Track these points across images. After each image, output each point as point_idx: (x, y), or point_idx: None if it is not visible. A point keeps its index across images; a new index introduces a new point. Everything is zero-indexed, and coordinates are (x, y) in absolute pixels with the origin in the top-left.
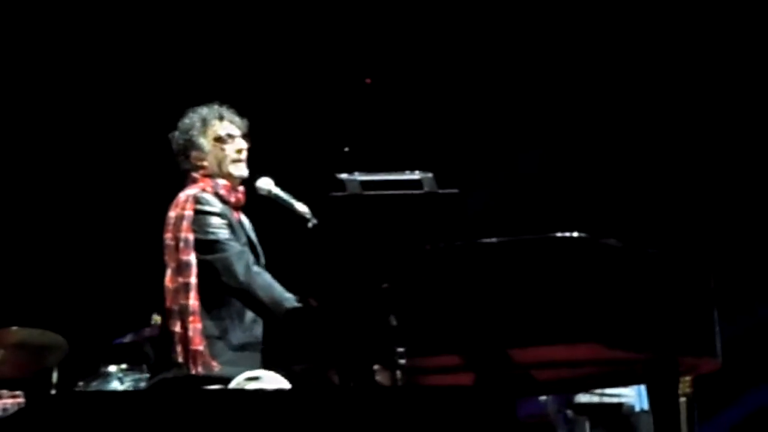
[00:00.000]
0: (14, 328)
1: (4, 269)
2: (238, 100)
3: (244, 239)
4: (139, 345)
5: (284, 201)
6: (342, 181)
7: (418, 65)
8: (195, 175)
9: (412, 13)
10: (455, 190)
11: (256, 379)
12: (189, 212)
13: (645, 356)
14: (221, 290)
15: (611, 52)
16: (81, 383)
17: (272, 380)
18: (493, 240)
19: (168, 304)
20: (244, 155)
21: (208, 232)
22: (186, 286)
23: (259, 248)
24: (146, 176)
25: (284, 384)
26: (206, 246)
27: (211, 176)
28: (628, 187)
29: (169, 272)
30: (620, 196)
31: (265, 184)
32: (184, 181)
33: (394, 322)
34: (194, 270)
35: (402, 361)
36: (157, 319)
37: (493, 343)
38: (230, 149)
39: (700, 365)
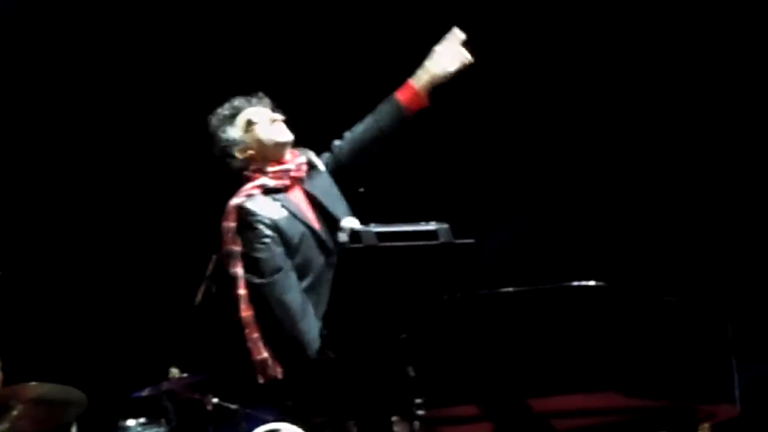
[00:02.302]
0: (33, 383)
1: (22, 324)
2: None
3: (297, 236)
4: (157, 399)
5: None
6: (357, 232)
7: (429, 114)
8: (247, 174)
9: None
10: (471, 240)
11: (275, 431)
12: (232, 224)
13: (663, 404)
14: None
15: (627, 98)
16: None
17: None
18: (510, 289)
19: (235, 316)
20: (279, 123)
21: (250, 250)
22: (236, 299)
23: (339, 215)
24: (162, 229)
25: None
26: (248, 264)
27: (261, 168)
28: (645, 235)
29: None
30: (637, 244)
31: (350, 223)
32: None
33: (412, 373)
34: (242, 282)
35: (420, 412)
36: (174, 372)
37: (512, 393)
38: (262, 125)
39: (718, 412)
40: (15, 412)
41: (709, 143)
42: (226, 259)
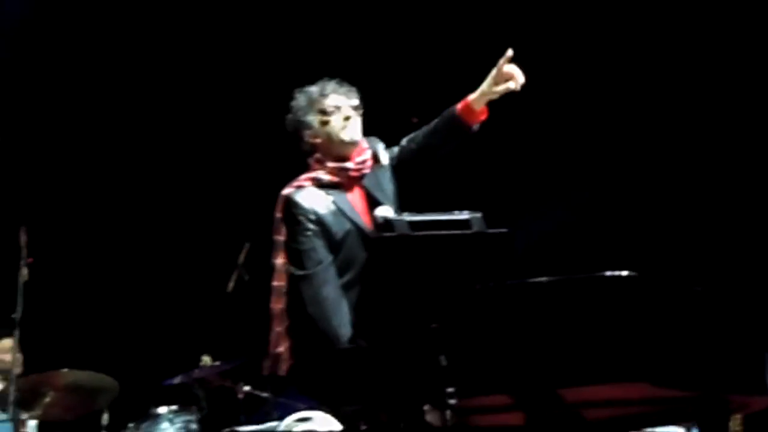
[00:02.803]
0: (65, 370)
1: (55, 312)
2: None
3: (341, 231)
4: (188, 386)
5: None
6: (390, 222)
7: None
8: (309, 160)
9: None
10: (504, 230)
11: (307, 419)
12: (279, 215)
13: (694, 395)
14: None
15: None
16: (131, 425)
17: (323, 421)
18: (543, 279)
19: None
20: (353, 121)
21: (291, 242)
22: (272, 289)
23: (389, 203)
24: (195, 217)
25: (335, 425)
26: (289, 254)
27: (322, 160)
28: (677, 226)
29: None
30: (669, 235)
31: (384, 212)
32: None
33: (444, 363)
34: (280, 274)
35: (452, 401)
36: (206, 360)
37: (544, 383)
38: (336, 119)
39: (750, 403)
40: (47, 399)
41: (742, 137)
42: (273, 247)
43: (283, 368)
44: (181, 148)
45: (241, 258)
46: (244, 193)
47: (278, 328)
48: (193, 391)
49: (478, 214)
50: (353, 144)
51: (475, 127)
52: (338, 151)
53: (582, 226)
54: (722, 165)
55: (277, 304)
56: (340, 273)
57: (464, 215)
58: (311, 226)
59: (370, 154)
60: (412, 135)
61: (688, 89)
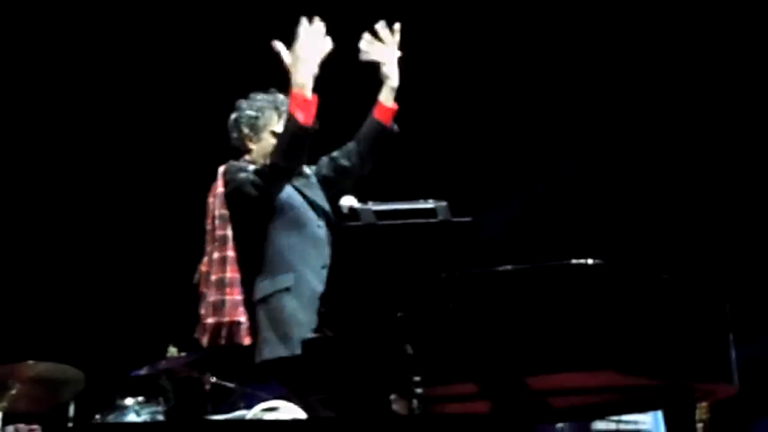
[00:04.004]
0: (30, 362)
1: (20, 303)
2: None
3: (288, 192)
4: (155, 377)
5: None
6: (356, 210)
7: (430, 92)
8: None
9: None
10: (469, 218)
11: (273, 409)
12: (221, 188)
13: (661, 382)
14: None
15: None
16: (98, 416)
17: (289, 410)
18: (509, 267)
19: (212, 275)
20: None
21: (242, 188)
22: (224, 260)
23: (319, 200)
24: (161, 208)
25: (301, 414)
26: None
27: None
28: (643, 213)
29: (214, 245)
30: (635, 222)
31: (348, 201)
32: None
33: (410, 351)
34: (230, 243)
35: (418, 390)
36: (173, 351)
37: (510, 371)
38: None
39: (716, 391)
40: (13, 391)
41: (697, 125)
42: (216, 222)
43: (245, 339)
44: (143, 138)
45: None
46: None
47: (238, 297)
48: (160, 382)
49: (444, 203)
50: None
51: (395, 127)
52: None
53: (548, 215)
54: (685, 152)
55: (234, 273)
56: (291, 229)
57: (429, 204)
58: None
59: None
60: (340, 151)
61: (643, 77)
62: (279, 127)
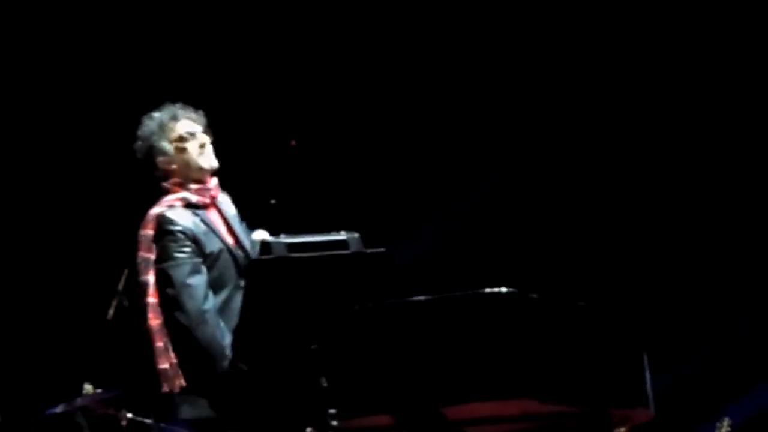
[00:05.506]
0: None
1: None
2: None
3: (216, 249)
4: (71, 415)
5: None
6: (268, 243)
7: (342, 123)
8: (166, 185)
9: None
10: (382, 249)
11: None
12: (150, 232)
13: (577, 409)
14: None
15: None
16: None
17: None
18: (422, 298)
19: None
20: (208, 148)
21: (165, 257)
22: (144, 308)
23: (244, 240)
24: (73, 243)
25: None
26: (162, 276)
27: (182, 183)
28: (557, 241)
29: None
30: (548, 250)
31: (260, 236)
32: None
33: (325, 384)
34: (153, 289)
35: (334, 423)
36: (88, 388)
37: (426, 401)
38: (192, 146)
39: (633, 416)
40: None
41: (616, 152)
42: (140, 266)
43: (180, 381)
44: (56, 173)
45: (121, 284)
46: (125, 219)
47: (160, 343)
48: (76, 419)
49: (356, 234)
50: (210, 171)
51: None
52: (196, 176)
53: (462, 244)
54: (594, 174)
55: (156, 320)
56: (214, 292)
57: (342, 235)
58: (188, 242)
59: (217, 180)
60: None
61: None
62: (185, 139)
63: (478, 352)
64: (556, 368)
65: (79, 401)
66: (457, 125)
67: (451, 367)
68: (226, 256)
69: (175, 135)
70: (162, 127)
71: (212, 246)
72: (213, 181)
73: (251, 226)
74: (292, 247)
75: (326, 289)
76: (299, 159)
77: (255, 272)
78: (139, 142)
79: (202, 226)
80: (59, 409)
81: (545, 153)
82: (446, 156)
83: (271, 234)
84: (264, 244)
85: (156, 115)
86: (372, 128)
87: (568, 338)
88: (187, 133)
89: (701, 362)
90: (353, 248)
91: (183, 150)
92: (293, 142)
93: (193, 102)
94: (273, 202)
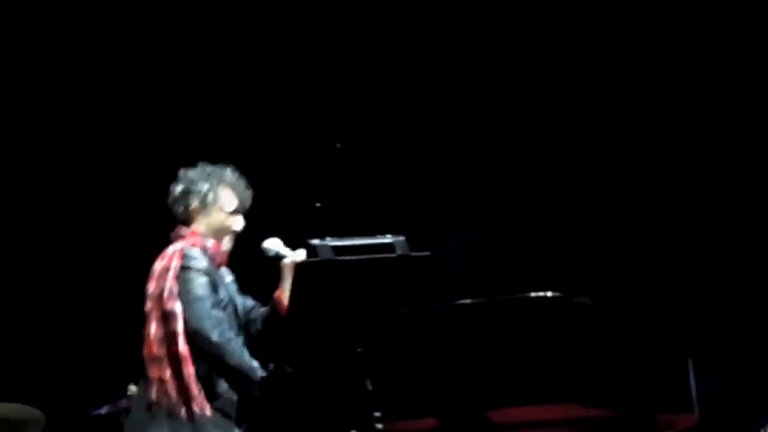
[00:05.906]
0: None
1: None
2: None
3: (226, 298)
4: (115, 416)
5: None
6: (314, 247)
7: (387, 127)
8: (184, 230)
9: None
10: (427, 253)
11: None
12: (176, 262)
13: (621, 414)
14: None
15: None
16: None
17: None
18: (468, 301)
19: (154, 351)
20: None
21: (189, 290)
22: (174, 335)
23: (239, 305)
24: (121, 247)
25: None
26: (185, 304)
27: (203, 234)
28: (602, 244)
29: (153, 321)
30: (594, 253)
31: (273, 245)
32: (172, 234)
33: (370, 387)
34: (180, 318)
35: (379, 426)
36: (133, 389)
37: (470, 405)
38: (230, 222)
39: (677, 421)
40: None
41: (655, 159)
42: (161, 294)
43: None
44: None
45: None
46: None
47: (190, 370)
48: (120, 420)
49: (401, 238)
50: (235, 234)
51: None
52: (218, 235)
53: (507, 247)
54: (643, 183)
55: (186, 347)
56: None
57: (387, 239)
58: (208, 278)
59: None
60: (253, 311)
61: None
62: (228, 206)
63: (523, 356)
64: (599, 372)
65: (123, 402)
66: (504, 133)
67: (495, 370)
68: (230, 310)
69: (223, 202)
70: (226, 182)
71: (222, 293)
72: (227, 246)
73: (297, 229)
74: (338, 249)
75: (372, 292)
76: (345, 162)
77: (302, 275)
78: (186, 180)
79: (216, 274)
80: (104, 410)
81: (591, 160)
82: (492, 160)
83: (317, 237)
84: (310, 247)
85: (218, 170)
86: (419, 131)
87: (613, 343)
88: (234, 210)
89: (747, 367)
90: (399, 251)
91: (235, 213)
92: (338, 145)
93: (238, 105)
94: (318, 204)
